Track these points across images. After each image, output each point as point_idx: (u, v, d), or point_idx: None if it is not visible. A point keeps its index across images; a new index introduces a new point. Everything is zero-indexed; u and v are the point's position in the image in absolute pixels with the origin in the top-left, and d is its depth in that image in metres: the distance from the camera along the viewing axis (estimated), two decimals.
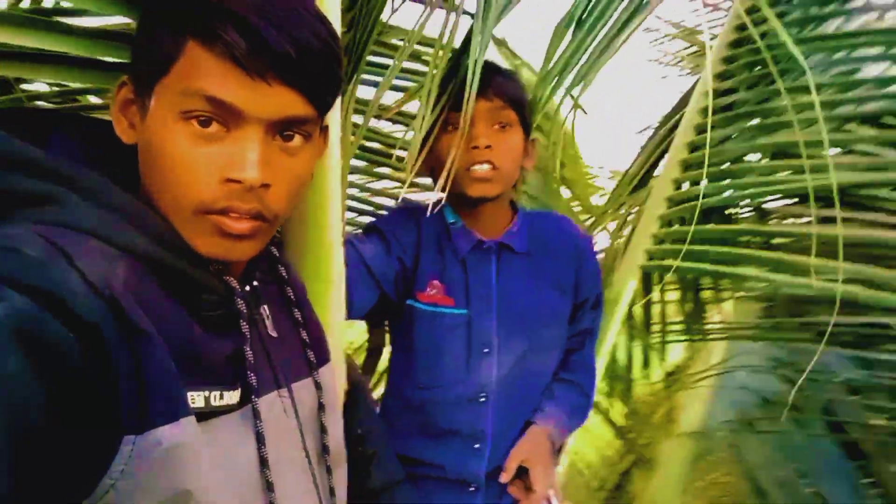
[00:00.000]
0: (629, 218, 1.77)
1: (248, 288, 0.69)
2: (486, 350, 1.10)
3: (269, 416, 0.66)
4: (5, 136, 0.57)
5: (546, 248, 1.17)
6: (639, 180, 1.78)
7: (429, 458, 1.11)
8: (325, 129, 0.71)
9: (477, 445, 1.10)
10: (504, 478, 1.09)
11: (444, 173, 0.98)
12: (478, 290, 1.11)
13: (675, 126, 1.64)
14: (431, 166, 1.10)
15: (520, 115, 1.10)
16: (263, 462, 0.65)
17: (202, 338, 0.61)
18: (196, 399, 0.59)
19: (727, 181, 1.54)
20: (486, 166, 1.06)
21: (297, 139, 0.62)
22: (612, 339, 1.52)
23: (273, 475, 0.65)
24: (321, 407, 0.76)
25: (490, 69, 1.07)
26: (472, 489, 1.11)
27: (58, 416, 0.49)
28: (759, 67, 1.54)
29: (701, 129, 1.56)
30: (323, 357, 0.79)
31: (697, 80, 1.69)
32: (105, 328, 0.52)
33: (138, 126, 0.62)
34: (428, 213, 1.05)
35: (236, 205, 0.59)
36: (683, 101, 1.72)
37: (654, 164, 1.76)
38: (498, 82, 1.07)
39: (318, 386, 0.76)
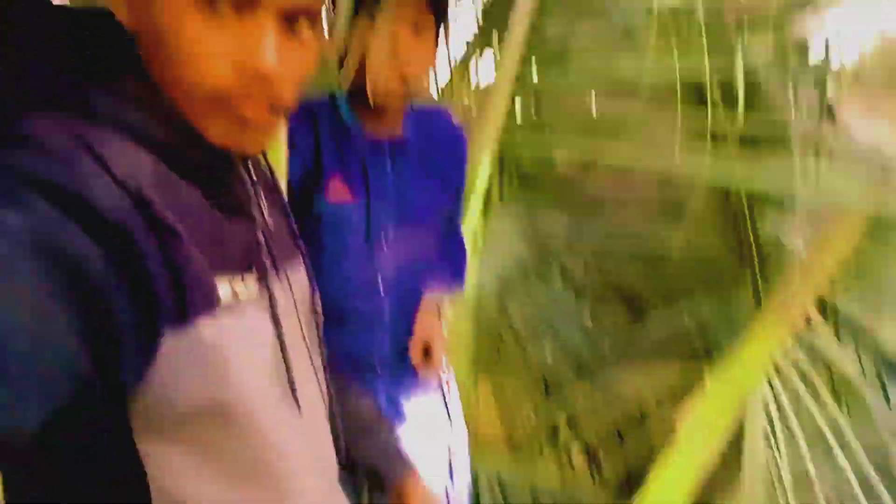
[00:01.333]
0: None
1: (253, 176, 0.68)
2: (384, 241, 1.15)
3: (278, 296, 0.65)
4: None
5: (431, 141, 1.22)
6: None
7: (333, 346, 0.92)
8: None
9: (378, 330, 1.17)
10: (414, 359, 1.20)
11: (347, 69, 1.03)
12: (376, 185, 1.15)
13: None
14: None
15: (438, 19, 1.11)
16: (282, 346, 0.64)
17: (224, 224, 0.61)
18: (224, 286, 0.58)
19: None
20: (401, 80, 1.08)
21: (306, 28, 0.59)
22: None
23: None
24: (314, 290, 0.76)
25: None
26: (373, 371, 1.18)
27: (86, 331, 0.47)
28: None
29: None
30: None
31: None
32: (134, 228, 0.51)
33: (141, 10, 0.57)
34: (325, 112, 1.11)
35: (253, 91, 0.57)
36: None
37: None
38: None
39: (308, 270, 0.76)
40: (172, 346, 0.54)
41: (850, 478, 1.17)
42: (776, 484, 1.18)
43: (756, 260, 1.64)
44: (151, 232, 0.52)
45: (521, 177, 1.99)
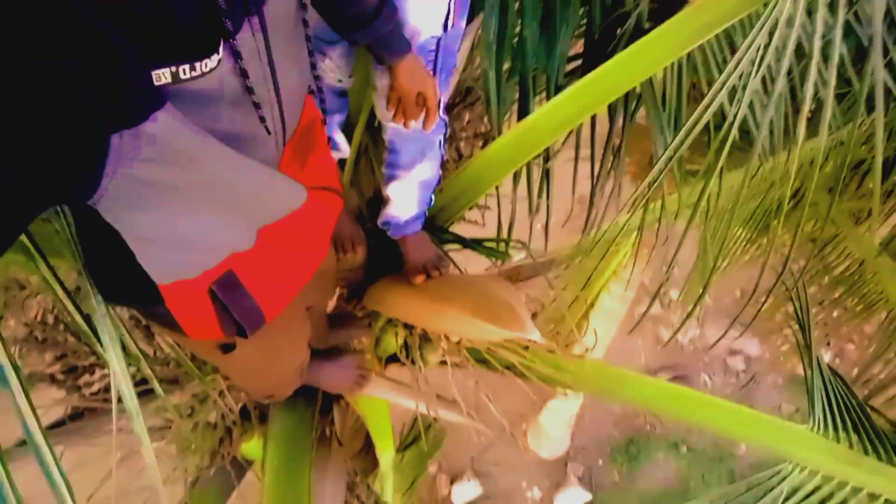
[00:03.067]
0: None
1: None
2: None
3: (244, 51, 0.72)
4: None
5: None
6: None
7: None
8: None
9: None
10: None
11: None
12: None
13: None
14: None
15: None
16: (249, 90, 0.73)
17: (170, 7, 0.62)
18: (162, 76, 0.63)
19: None
20: None
21: None
22: None
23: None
24: (302, 5, 0.81)
25: None
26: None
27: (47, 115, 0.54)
28: None
29: None
30: None
31: None
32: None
33: None
34: None
35: None
36: None
37: None
38: None
39: None
40: (121, 147, 0.61)
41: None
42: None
43: None
44: (85, 41, 0.55)
45: None
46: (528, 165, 1.91)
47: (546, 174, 1.98)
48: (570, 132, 1.87)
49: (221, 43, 0.66)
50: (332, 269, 1.56)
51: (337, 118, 1.44)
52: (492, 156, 1.67)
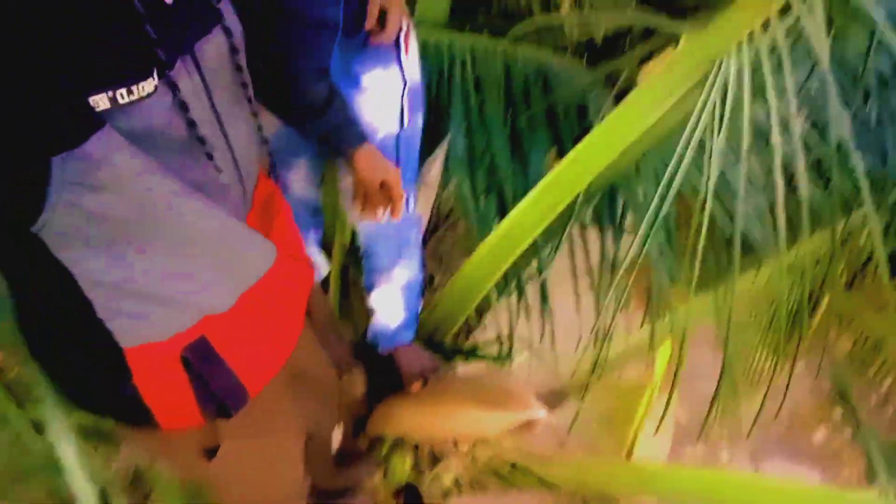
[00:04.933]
0: None
1: None
2: None
3: (182, 85, 0.74)
4: None
5: None
6: None
7: (290, 11, 1.09)
8: None
9: None
10: (368, 24, 1.17)
11: None
12: None
13: None
14: None
15: None
16: (192, 124, 0.74)
17: (96, 26, 0.65)
18: (100, 102, 0.65)
19: None
20: None
21: None
22: None
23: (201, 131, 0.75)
24: (233, 50, 0.83)
25: None
26: (326, 28, 1.14)
27: None
28: None
29: None
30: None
31: None
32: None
33: None
34: None
35: None
36: None
37: None
38: None
39: (227, 32, 0.82)
40: (63, 171, 0.63)
41: (776, 163, 1.29)
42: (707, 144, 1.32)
43: None
44: (12, 60, 0.58)
45: None
46: (520, 277, 1.92)
47: (543, 288, 1.99)
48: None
49: (156, 71, 0.71)
50: (334, 389, 1.51)
51: (313, 236, 1.50)
52: (476, 264, 1.69)
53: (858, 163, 1.28)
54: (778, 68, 1.25)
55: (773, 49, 1.25)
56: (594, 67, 1.87)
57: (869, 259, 2.65)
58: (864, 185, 1.27)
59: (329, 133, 1.18)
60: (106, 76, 0.66)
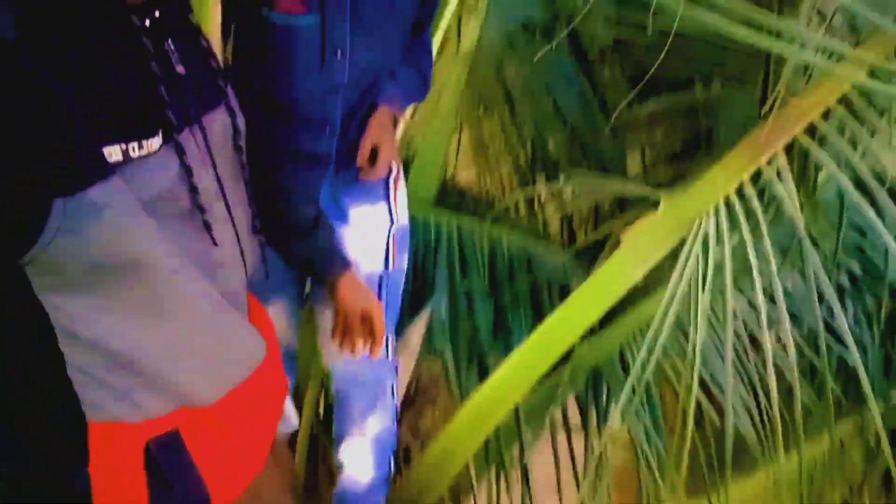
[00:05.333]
0: None
1: (148, 23, 0.71)
2: (339, 53, 1.13)
3: (188, 150, 0.73)
4: None
5: None
6: None
7: (284, 144, 1.14)
8: None
9: (328, 129, 1.18)
10: (360, 161, 1.20)
11: None
12: None
13: None
14: None
15: None
16: (194, 190, 0.73)
17: (115, 82, 0.67)
18: (113, 153, 0.65)
19: None
20: None
21: None
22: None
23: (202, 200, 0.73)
24: (236, 130, 0.82)
25: None
26: (317, 162, 1.19)
27: None
28: None
29: None
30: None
31: None
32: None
33: None
34: None
35: None
36: None
37: None
38: None
39: (231, 112, 0.82)
40: (65, 211, 0.62)
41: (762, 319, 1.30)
42: (691, 305, 1.32)
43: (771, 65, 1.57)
44: (34, 93, 0.60)
45: None
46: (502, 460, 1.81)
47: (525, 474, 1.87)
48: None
49: (161, 131, 0.72)
50: None
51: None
52: (453, 433, 1.59)
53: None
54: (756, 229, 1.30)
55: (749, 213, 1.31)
56: (573, 245, 1.93)
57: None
58: None
59: (313, 257, 1.17)
60: (120, 129, 0.67)
